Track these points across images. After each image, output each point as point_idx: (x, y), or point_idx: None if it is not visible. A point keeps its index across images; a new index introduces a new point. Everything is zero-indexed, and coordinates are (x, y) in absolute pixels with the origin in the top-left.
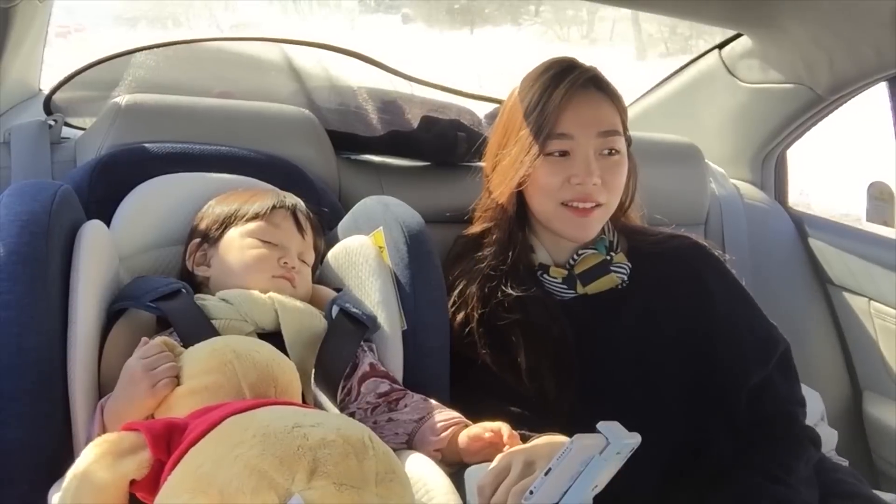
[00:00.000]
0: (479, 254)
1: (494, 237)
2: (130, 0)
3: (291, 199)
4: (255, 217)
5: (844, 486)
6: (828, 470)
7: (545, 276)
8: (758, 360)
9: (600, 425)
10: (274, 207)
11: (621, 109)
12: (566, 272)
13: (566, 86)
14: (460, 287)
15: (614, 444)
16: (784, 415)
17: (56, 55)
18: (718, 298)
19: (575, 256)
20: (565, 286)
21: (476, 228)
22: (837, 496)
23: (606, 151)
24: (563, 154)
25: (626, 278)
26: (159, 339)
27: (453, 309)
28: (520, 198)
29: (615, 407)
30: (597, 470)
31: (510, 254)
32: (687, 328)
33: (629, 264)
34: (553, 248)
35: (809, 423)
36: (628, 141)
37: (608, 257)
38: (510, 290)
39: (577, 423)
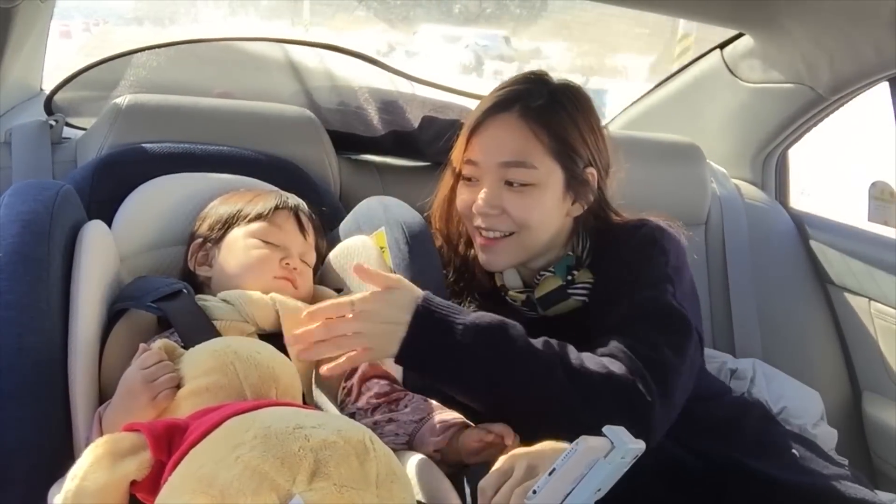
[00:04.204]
0: (445, 270)
1: (448, 256)
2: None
3: (294, 199)
4: (258, 218)
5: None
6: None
7: (507, 296)
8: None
9: (606, 429)
10: (276, 208)
11: (555, 138)
12: (524, 297)
13: (485, 106)
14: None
15: (619, 448)
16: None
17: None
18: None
19: (537, 277)
20: (527, 308)
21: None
22: (837, 498)
23: (510, 182)
24: (472, 180)
25: (586, 299)
26: (158, 344)
27: None
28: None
29: None
30: (601, 473)
31: (465, 273)
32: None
33: (592, 280)
34: (519, 267)
35: (809, 423)
36: (569, 170)
37: (570, 277)
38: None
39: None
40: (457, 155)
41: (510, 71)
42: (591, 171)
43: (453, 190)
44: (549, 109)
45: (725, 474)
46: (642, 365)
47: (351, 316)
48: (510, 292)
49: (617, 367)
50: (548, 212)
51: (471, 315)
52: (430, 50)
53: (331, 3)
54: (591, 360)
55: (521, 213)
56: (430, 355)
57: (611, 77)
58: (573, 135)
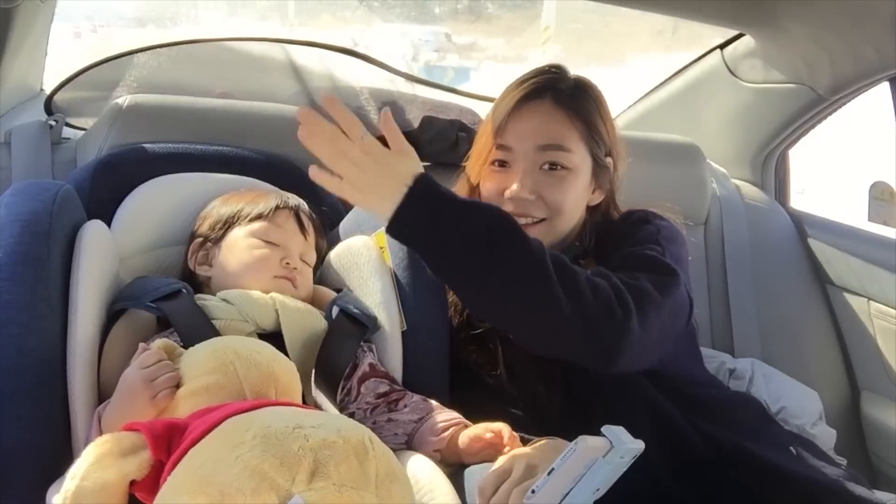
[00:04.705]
0: None
1: None
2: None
3: (294, 199)
4: (258, 217)
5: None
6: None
7: None
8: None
9: (605, 429)
10: (277, 208)
11: (586, 123)
12: None
13: (517, 94)
14: (450, 292)
15: (618, 448)
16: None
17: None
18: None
19: None
20: None
21: None
22: (835, 496)
23: (546, 166)
24: (503, 165)
25: None
26: (157, 343)
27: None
28: None
29: (596, 408)
30: (599, 473)
31: None
32: None
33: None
34: None
35: (807, 423)
36: (596, 157)
37: None
38: None
39: (567, 426)
40: (484, 145)
41: (439, 60)
42: (610, 159)
43: (478, 180)
44: (578, 96)
45: (726, 460)
46: (623, 287)
47: (358, 145)
48: None
49: (601, 281)
50: (578, 198)
51: (468, 198)
52: (382, 44)
53: (318, 3)
54: (580, 270)
55: (557, 197)
56: (424, 225)
57: (517, 63)
58: (598, 122)
